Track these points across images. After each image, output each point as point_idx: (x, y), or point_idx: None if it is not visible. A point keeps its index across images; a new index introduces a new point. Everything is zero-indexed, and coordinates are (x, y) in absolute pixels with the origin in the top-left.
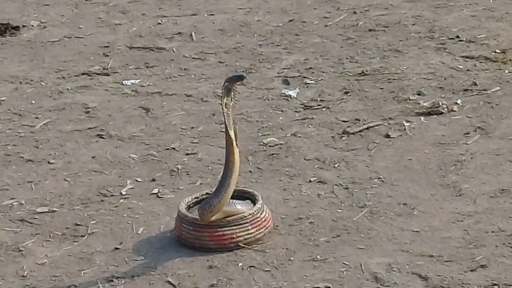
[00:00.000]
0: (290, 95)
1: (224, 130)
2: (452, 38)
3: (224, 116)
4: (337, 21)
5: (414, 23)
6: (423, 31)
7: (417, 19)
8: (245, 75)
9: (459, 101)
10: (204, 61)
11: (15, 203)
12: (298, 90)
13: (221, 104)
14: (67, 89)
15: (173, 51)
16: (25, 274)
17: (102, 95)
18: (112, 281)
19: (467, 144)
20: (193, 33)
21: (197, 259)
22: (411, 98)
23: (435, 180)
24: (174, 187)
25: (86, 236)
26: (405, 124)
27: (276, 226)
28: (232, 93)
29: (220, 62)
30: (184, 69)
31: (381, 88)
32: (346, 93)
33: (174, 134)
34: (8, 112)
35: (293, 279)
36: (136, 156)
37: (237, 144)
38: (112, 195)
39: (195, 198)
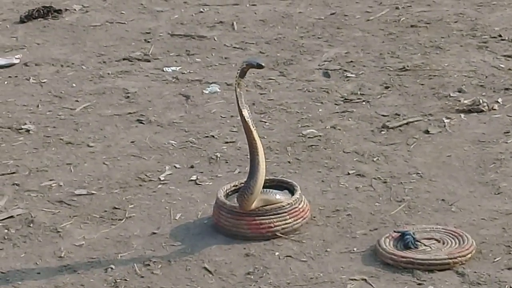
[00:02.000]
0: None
1: (237, 110)
2: (494, 37)
3: (236, 95)
4: (379, 16)
5: (456, 20)
6: (465, 28)
7: (460, 16)
8: (263, 64)
9: (499, 100)
10: (245, 51)
11: (54, 184)
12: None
13: (235, 84)
14: (108, 73)
15: (214, 40)
16: (62, 255)
17: (142, 80)
18: (149, 265)
19: (506, 143)
20: (234, 23)
21: (234, 247)
22: (451, 95)
23: (474, 177)
24: (212, 175)
25: (123, 219)
26: (445, 120)
27: (314, 217)
28: (245, 76)
29: (261, 52)
30: (225, 58)
31: (422, 84)
32: (386, 87)
33: (214, 122)
34: (49, 94)
35: (329, 270)
36: (175, 143)
37: (253, 124)
38: (151, 180)
39: (233, 186)
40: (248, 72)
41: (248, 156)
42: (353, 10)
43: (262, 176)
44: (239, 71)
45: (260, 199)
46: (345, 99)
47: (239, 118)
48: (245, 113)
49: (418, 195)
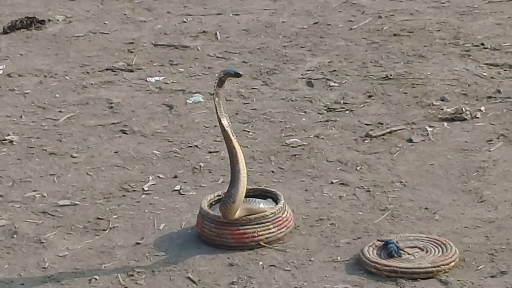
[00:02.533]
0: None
1: (217, 119)
2: (477, 45)
3: (215, 105)
4: (362, 25)
5: (439, 29)
6: (447, 37)
7: (442, 25)
8: (241, 73)
9: (482, 108)
10: (228, 60)
11: (38, 195)
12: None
13: (213, 93)
14: (91, 84)
15: (198, 50)
16: (46, 266)
17: (126, 91)
18: (133, 275)
19: (489, 151)
20: (217, 32)
21: (218, 257)
22: (434, 103)
23: (457, 185)
24: (196, 185)
25: (107, 230)
26: (428, 129)
27: (297, 226)
28: (224, 85)
29: (244, 61)
30: (208, 68)
31: (405, 93)
32: (369, 96)
33: (197, 131)
34: (32, 105)
35: (313, 279)
36: (159, 153)
37: (232, 133)
38: (134, 191)
39: (217, 196)
40: (227, 81)
41: None
42: (336, 19)
43: (243, 184)
44: (217, 81)
45: (243, 208)
46: (329, 108)
47: None
48: (225, 122)
49: (402, 204)
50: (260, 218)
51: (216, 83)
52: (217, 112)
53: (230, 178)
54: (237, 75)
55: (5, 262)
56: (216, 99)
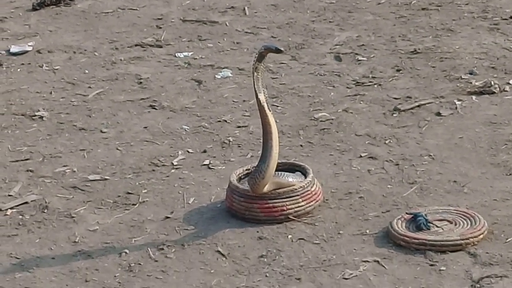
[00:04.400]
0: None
1: (254, 93)
2: (505, 19)
3: (253, 79)
4: None
5: (467, 2)
6: (476, 11)
7: None
8: (283, 49)
9: (511, 82)
10: (257, 35)
11: (68, 170)
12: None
13: (252, 68)
14: (120, 59)
15: (226, 25)
16: (76, 240)
17: (154, 66)
18: (163, 249)
19: None
20: (246, 8)
21: (247, 230)
22: (463, 77)
23: (486, 158)
24: (225, 159)
25: (137, 204)
26: (457, 102)
27: (326, 199)
28: (264, 60)
29: (272, 37)
30: (237, 43)
31: (433, 67)
32: (398, 70)
33: (226, 106)
34: (61, 81)
35: (342, 252)
36: (188, 128)
37: (269, 108)
38: (164, 165)
39: (246, 170)
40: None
41: (261, 141)
42: None
43: (274, 161)
44: (257, 55)
45: (272, 182)
46: (357, 82)
47: (251, 102)
48: (261, 97)
49: (430, 177)
50: (289, 192)
51: (256, 58)
52: (254, 87)
53: (261, 153)
54: (278, 51)
55: (36, 236)
56: (255, 73)
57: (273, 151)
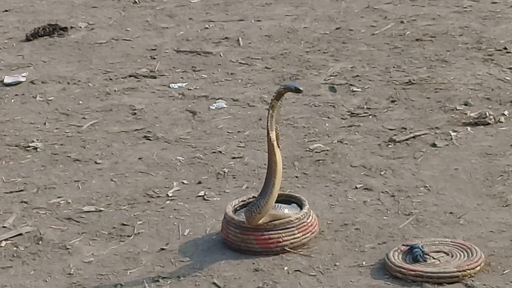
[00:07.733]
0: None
1: (266, 132)
2: (499, 50)
3: (268, 117)
4: (384, 30)
5: (461, 34)
6: (470, 42)
7: (465, 29)
8: (302, 89)
9: (506, 112)
10: (251, 66)
11: (62, 201)
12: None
13: (269, 105)
14: (114, 90)
15: (220, 56)
16: (71, 272)
17: (149, 97)
18: (158, 281)
19: None
20: (240, 39)
21: (242, 262)
22: (458, 108)
23: (482, 190)
24: (220, 190)
25: (132, 236)
26: (452, 134)
27: (322, 231)
28: (282, 99)
29: (266, 67)
30: (231, 74)
31: (428, 98)
32: (392, 101)
33: (221, 137)
34: (55, 112)
35: (338, 284)
36: (183, 159)
37: (278, 146)
38: (159, 196)
39: (241, 201)
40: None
41: (256, 172)
42: (358, 24)
43: (273, 198)
44: (275, 94)
45: (268, 214)
46: (352, 113)
47: (246, 133)
48: (272, 135)
49: (426, 208)
50: (285, 223)
51: (274, 96)
52: (267, 124)
53: (262, 188)
54: (298, 90)
55: (31, 268)
56: (270, 111)
57: (274, 189)
